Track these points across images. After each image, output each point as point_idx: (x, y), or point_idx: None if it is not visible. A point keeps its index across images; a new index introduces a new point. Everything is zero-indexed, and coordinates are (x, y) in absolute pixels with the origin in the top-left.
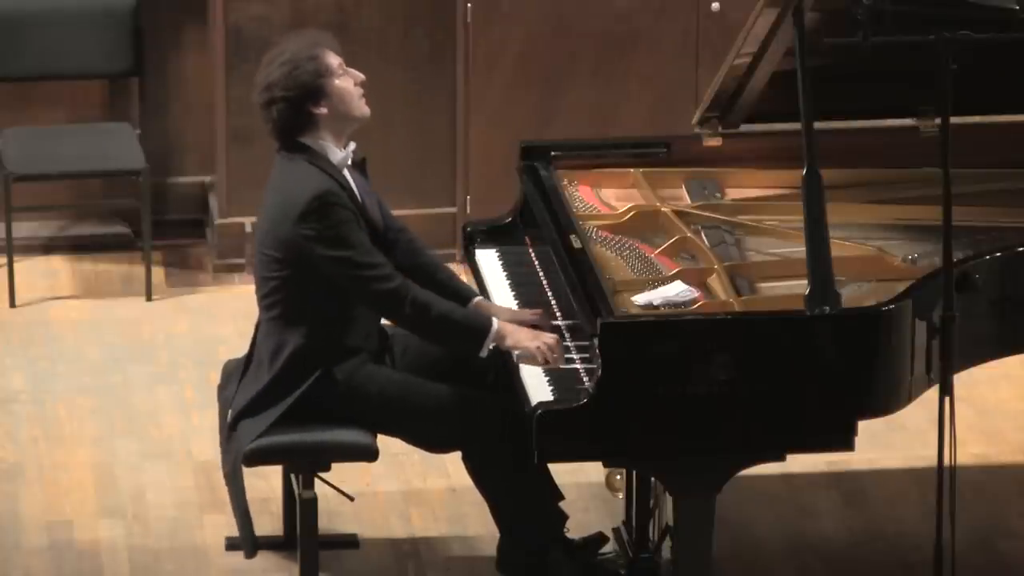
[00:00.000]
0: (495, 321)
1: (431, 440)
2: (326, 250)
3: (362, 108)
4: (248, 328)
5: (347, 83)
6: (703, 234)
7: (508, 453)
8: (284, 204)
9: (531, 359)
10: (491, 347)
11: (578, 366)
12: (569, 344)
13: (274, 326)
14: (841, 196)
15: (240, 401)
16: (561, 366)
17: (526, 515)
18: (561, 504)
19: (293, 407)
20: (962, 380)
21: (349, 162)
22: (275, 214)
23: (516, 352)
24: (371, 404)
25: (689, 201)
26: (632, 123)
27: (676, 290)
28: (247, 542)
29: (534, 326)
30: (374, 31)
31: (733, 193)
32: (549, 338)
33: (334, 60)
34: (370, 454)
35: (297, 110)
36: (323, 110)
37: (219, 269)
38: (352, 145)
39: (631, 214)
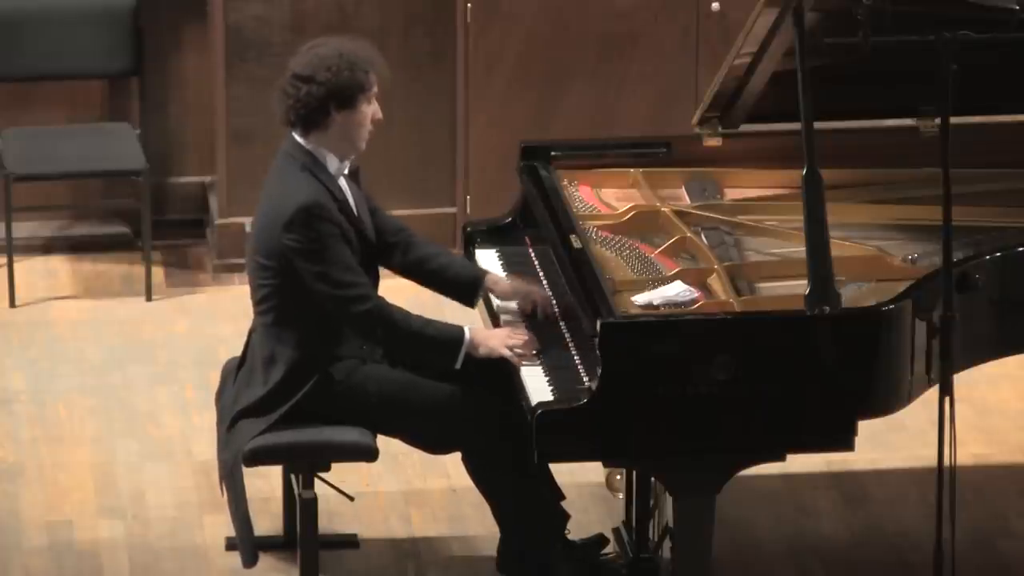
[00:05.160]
0: (467, 332)
1: (431, 440)
2: (306, 263)
3: (363, 141)
4: (248, 328)
5: (369, 112)
6: (703, 234)
7: (508, 453)
8: (273, 211)
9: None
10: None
11: (580, 369)
12: (569, 344)
13: (268, 333)
14: (841, 196)
15: (237, 407)
16: (534, 352)
17: (526, 515)
18: (561, 504)
19: (292, 408)
20: (962, 380)
21: (346, 171)
22: (265, 220)
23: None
24: (370, 403)
25: (689, 201)
26: (632, 123)
27: (676, 290)
28: (246, 551)
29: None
30: (374, 31)
31: (733, 193)
32: (519, 336)
33: (376, 87)
34: (370, 454)
35: (322, 103)
36: (338, 118)
37: (219, 269)
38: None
39: (631, 214)
